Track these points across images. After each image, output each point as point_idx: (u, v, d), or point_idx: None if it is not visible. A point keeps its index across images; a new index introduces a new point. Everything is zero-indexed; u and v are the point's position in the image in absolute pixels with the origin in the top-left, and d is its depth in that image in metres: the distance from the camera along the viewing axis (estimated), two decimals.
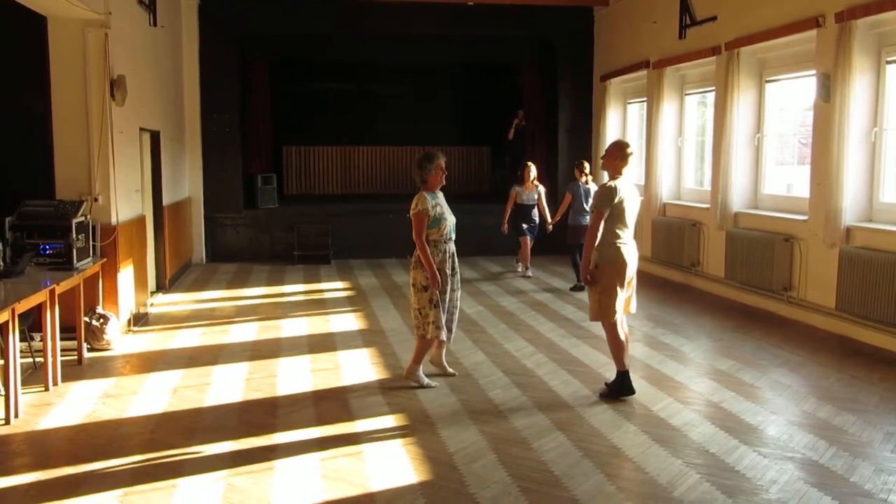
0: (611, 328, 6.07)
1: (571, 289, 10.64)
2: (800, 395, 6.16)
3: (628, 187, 6.05)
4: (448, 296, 6.35)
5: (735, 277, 9.67)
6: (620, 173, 6.06)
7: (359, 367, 6.95)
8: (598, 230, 5.95)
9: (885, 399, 6.03)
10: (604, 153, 6.32)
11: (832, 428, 5.42)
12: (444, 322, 6.31)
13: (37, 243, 6.85)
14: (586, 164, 10.79)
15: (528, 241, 11.60)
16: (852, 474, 4.65)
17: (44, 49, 7.49)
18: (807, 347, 7.57)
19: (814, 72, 8.40)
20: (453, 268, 6.40)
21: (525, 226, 11.50)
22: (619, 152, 6.11)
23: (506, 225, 11.63)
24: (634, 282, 6.18)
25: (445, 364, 6.69)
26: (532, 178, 11.47)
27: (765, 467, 4.75)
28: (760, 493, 4.41)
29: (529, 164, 11.74)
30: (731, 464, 4.81)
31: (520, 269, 11.97)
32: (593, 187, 10.47)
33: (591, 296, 6.11)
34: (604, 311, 6.02)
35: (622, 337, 6.09)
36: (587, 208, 10.31)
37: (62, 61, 7.55)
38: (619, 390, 6.10)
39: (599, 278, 5.97)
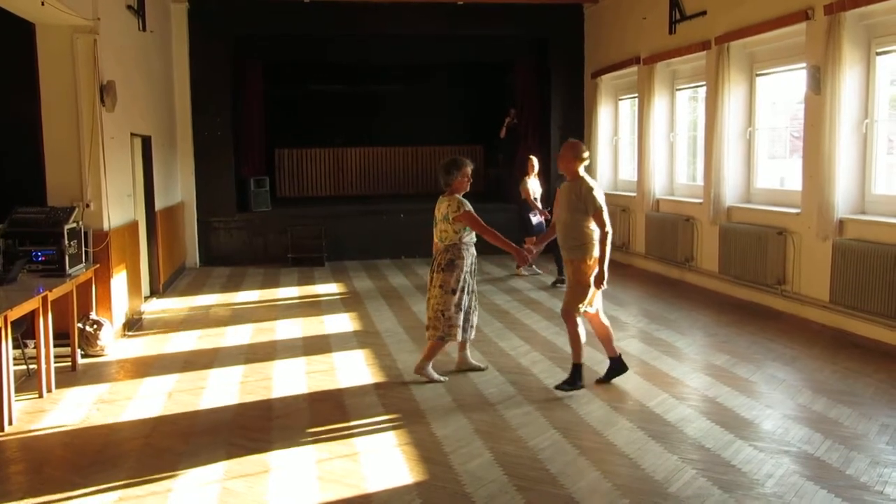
0: (575, 322, 6.18)
1: (554, 283, 10.83)
2: (795, 388, 6.17)
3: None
4: (470, 297, 6.49)
5: (729, 272, 9.68)
6: (578, 173, 6.15)
7: (354, 369, 6.94)
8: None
9: (879, 391, 6.04)
10: (559, 156, 6.38)
11: (827, 421, 5.42)
12: (464, 322, 6.48)
13: (29, 250, 6.83)
14: None
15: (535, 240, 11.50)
16: (848, 467, 4.66)
17: (33, 54, 7.46)
18: (801, 341, 7.58)
19: (804, 64, 8.41)
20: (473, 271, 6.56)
21: (535, 219, 11.39)
22: (573, 153, 6.20)
23: (545, 213, 11.28)
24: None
25: (472, 361, 6.83)
26: (536, 169, 11.56)
27: (761, 461, 4.76)
28: (756, 488, 4.41)
29: (532, 156, 11.85)
30: (727, 458, 4.81)
31: (525, 272, 11.73)
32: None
33: (576, 290, 6.15)
34: (578, 305, 6.15)
35: (587, 329, 6.31)
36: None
37: (51, 67, 7.52)
38: (575, 379, 6.21)
39: (589, 272, 6.09)
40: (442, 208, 6.47)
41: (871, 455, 4.83)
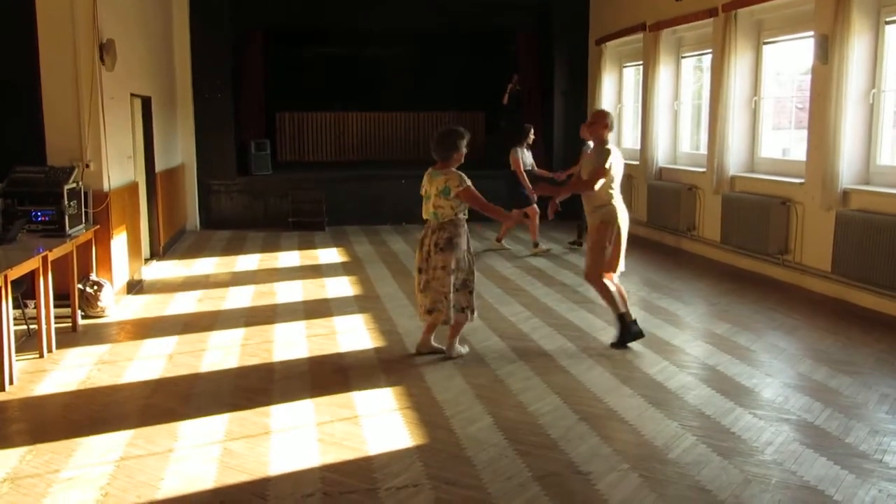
0: (601, 282, 6.43)
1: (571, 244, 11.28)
2: (795, 357, 6.18)
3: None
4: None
5: (731, 241, 9.66)
6: (607, 141, 6.40)
7: (354, 333, 6.94)
8: None
9: (880, 361, 6.04)
10: (591, 121, 6.63)
11: (827, 390, 5.43)
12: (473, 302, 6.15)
13: (28, 210, 6.79)
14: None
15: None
16: (847, 435, 4.67)
17: (31, 12, 7.34)
18: (802, 311, 7.57)
19: (812, 33, 8.30)
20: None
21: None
22: (605, 120, 6.43)
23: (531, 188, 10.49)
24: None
25: (435, 343, 6.31)
26: (532, 139, 10.84)
27: (760, 429, 4.77)
28: (756, 455, 4.42)
29: (529, 125, 11.02)
30: (726, 426, 4.82)
31: (540, 247, 10.86)
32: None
33: (595, 252, 6.41)
34: (599, 266, 6.40)
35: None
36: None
37: (50, 25, 7.39)
38: (624, 332, 6.43)
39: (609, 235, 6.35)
40: (438, 183, 6.00)
41: (871, 424, 4.84)
